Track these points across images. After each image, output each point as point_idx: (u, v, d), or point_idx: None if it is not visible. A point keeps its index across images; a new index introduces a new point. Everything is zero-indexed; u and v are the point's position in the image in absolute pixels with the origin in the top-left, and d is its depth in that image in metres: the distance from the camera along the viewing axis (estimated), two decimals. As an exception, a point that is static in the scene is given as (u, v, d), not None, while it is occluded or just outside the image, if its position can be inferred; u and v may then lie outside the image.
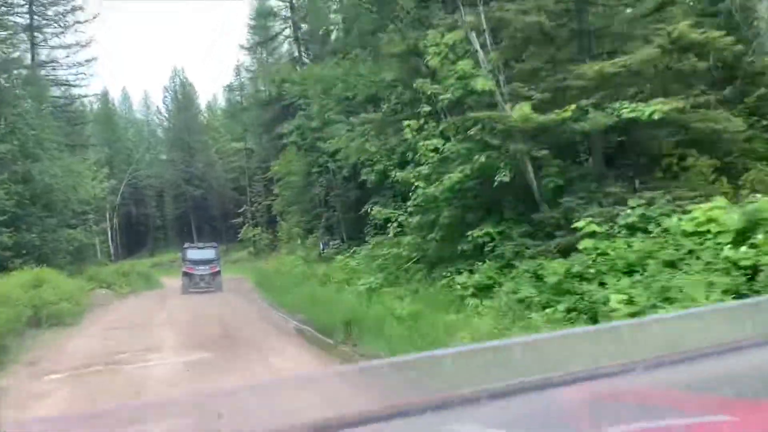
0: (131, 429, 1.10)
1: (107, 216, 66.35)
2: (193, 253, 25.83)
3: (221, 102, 74.08)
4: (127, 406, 1.59)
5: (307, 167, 28.38)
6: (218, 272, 25.51)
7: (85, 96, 46.53)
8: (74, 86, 39.85)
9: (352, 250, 20.98)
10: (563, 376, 1.19)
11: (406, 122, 13.75)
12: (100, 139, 63.99)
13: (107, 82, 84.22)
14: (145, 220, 71.26)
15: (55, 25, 35.76)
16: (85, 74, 38.65)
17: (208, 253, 25.96)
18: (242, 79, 52.01)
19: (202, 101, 70.17)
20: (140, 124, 70.60)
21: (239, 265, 49.63)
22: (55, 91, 38.28)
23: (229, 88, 58.24)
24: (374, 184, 18.40)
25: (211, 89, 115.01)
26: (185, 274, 25.17)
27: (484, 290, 9.67)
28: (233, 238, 57.39)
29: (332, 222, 27.79)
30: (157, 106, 61.35)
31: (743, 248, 6.34)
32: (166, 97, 60.24)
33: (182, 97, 60.41)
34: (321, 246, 26.40)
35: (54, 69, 37.90)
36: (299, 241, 29.49)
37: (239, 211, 49.50)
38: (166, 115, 60.53)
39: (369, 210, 18.27)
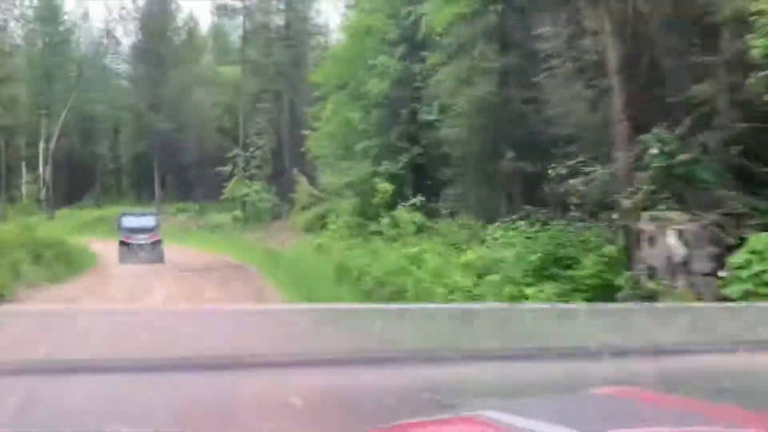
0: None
1: (39, 150, 49.73)
2: (129, 221, 23.78)
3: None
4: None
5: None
6: (159, 241, 23.19)
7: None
8: None
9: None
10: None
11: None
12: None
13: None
14: (93, 160, 54.75)
15: None
16: None
17: (148, 221, 24.34)
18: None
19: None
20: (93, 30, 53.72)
21: (220, 235, 34.28)
22: None
23: None
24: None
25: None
26: (122, 243, 22.74)
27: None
28: (213, 194, 41.87)
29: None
30: (123, 7, 44.96)
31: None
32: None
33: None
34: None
35: None
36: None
37: (228, 155, 33.99)
38: (133, 12, 44.00)
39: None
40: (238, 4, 34.76)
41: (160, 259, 21.78)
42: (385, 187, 14.97)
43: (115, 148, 57.89)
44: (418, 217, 14.47)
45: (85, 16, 53.10)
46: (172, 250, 27.56)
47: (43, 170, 47.46)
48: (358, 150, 16.86)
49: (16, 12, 48.92)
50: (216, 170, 40.94)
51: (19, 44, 48.66)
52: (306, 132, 23.33)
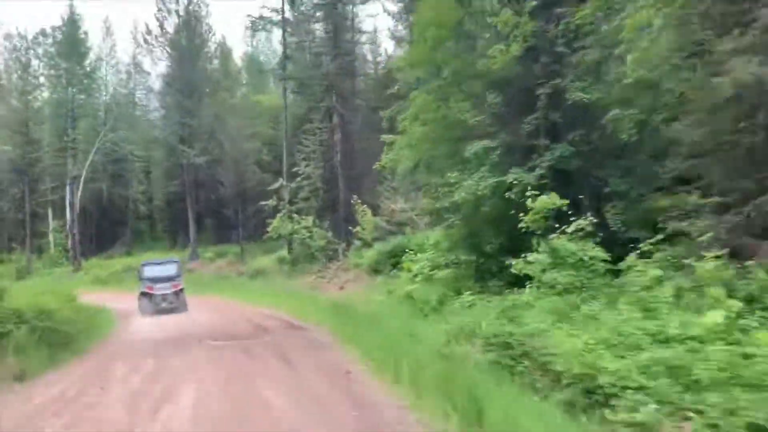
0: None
1: (66, 194, 45.76)
2: (151, 270, 21.41)
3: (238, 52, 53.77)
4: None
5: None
6: (182, 290, 21.28)
7: None
8: None
9: None
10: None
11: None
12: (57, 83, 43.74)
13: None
14: (123, 204, 50.79)
15: None
16: None
17: (169, 269, 21.79)
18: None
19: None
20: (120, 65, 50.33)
21: (265, 281, 29.09)
22: None
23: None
24: None
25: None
26: (144, 294, 20.84)
27: None
28: (255, 234, 36.98)
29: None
30: (150, 32, 41.10)
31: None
32: (164, 18, 39.80)
33: (189, 20, 39.88)
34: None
35: None
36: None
37: (271, 188, 29.00)
38: (165, 46, 39.91)
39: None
40: (276, 16, 30.14)
41: (183, 308, 20.86)
42: (546, 200, 9.33)
43: (148, 190, 54.04)
44: (596, 250, 8.85)
45: (112, 49, 50.07)
46: (209, 304, 22.48)
47: (70, 216, 43.45)
48: (470, 154, 11.35)
49: (39, 50, 45.93)
50: (257, 206, 36.21)
51: (42, 83, 45.28)
52: (366, 147, 18.22)
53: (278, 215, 28.48)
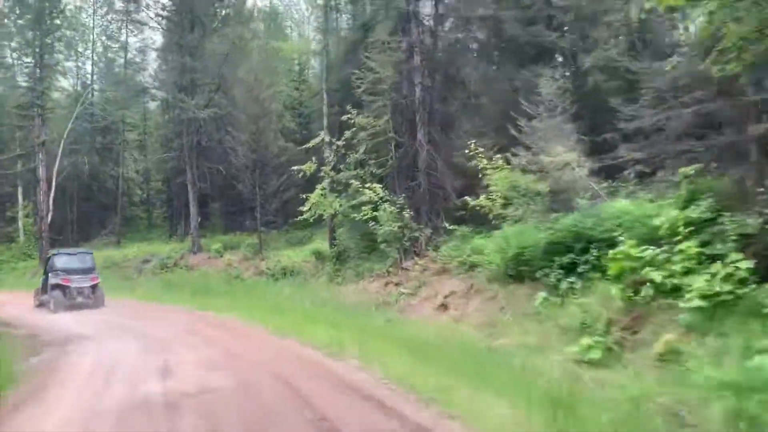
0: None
1: (38, 170, 35.93)
2: (63, 261, 19.52)
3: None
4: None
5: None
6: (99, 284, 19.52)
7: None
8: None
9: None
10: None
11: None
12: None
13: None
14: (113, 184, 41.27)
15: None
16: None
17: (85, 261, 19.98)
18: None
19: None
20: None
21: (296, 287, 19.50)
22: None
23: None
24: None
25: None
26: (57, 287, 18.68)
27: None
28: (277, 218, 27.55)
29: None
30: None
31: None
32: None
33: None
34: None
35: None
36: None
37: (309, 145, 19.34)
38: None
39: None
40: None
41: (100, 303, 18.96)
42: None
43: (145, 168, 44.51)
44: None
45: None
46: (207, 330, 12.96)
47: (41, 196, 33.93)
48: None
49: None
50: (280, 182, 26.51)
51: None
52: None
53: (318, 187, 18.81)
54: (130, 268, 28.32)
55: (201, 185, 28.79)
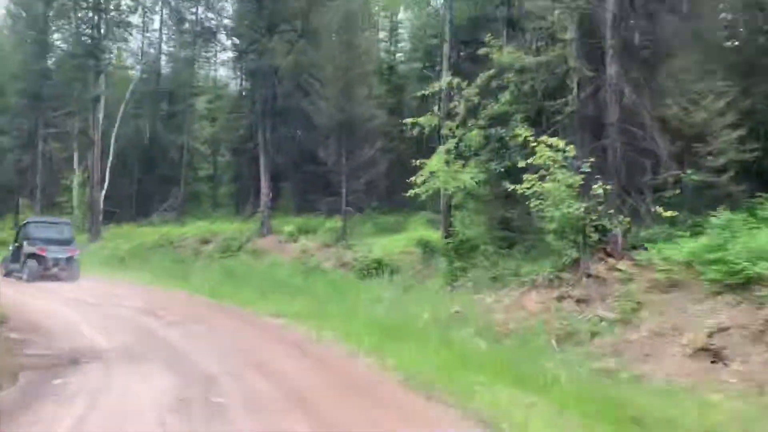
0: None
1: (91, 133, 31.63)
2: (40, 231, 18.96)
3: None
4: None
5: None
6: (74, 257, 18.82)
7: None
8: None
9: None
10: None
11: None
12: None
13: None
14: (177, 155, 37.14)
15: None
16: None
17: (64, 231, 19.54)
18: None
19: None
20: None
21: (405, 293, 13.83)
22: None
23: None
24: None
25: None
26: (32, 256, 18.18)
27: None
28: (365, 198, 22.32)
29: None
30: None
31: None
32: None
33: None
34: None
35: None
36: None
37: (428, 91, 13.67)
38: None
39: None
40: None
41: (74, 277, 18.36)
42: None
43: (215, 137, 40.21)
44: None
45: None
46: (297, 378, 7.43)
47: (92, 161, 29.86)
48: None
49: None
50: (369, 154, 21.10)
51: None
52: None
53: (441, 149, 13.21)
54: (187, 250, 23.64)
55: (274, 154, 23.70)
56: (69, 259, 18.48)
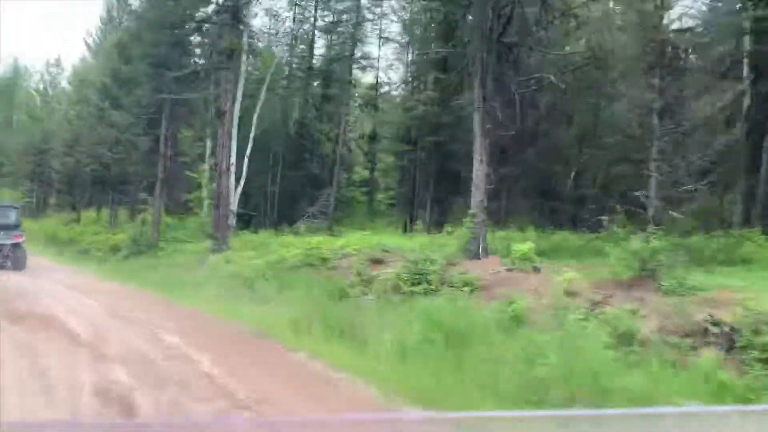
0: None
1: (224, 126, 23.09)
2: None
3: None
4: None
5: None
6: (21, 243, 18.14)
7: None
8: None
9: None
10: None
11: None
12: None
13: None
14: (330, 148, 29.31)
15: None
16: None
17: (7, 215, 18.81)
18: None
19: None
20: None
21: None
22: None
23: None
24: None
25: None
26: None
27: None
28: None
29: None
30: None
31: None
32: None
33: None
34: None
35: None
36: None
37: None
38: None
39: None
40: None
41: (21, 265, 17.71)
42: None
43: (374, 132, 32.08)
44: None
45: None
46: None
47: (223, 150, 22.45)
48: None
49: None
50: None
51: None
52: None
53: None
54: (347, 273, 14.76)
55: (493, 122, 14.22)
56: (15, 246, 17.71)
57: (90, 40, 36.06)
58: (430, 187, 20.92)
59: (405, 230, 21.11)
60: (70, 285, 14.99)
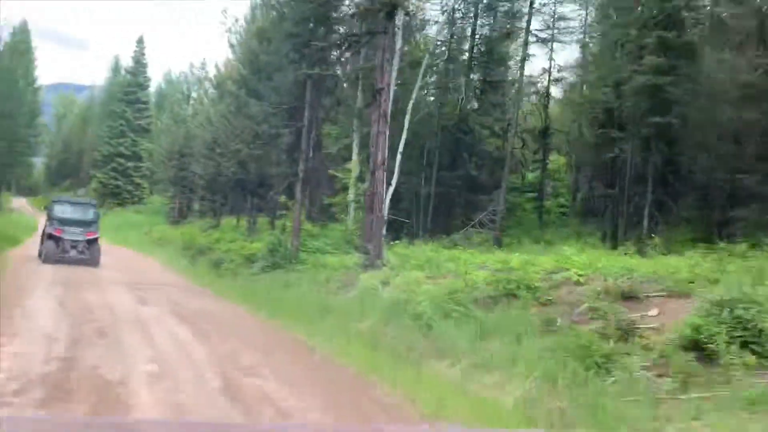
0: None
1: (379, 106, 19.66)
2: (62, 210, 18.83)
3: None
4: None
5: None
6: (96, 239, 18.46)
7: None
8: None
9: None
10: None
11: None
12: None
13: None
14: (494, 143, 24.40)
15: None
16: None
17: (85, 212, 19.07)
18: None
19: None
20: None
21: None
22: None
23: None
24: None
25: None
26: (50, 237, 18.00)
27: None
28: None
29: None
30: None
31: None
32: None
33: None
34: None
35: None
36: None
37: None
38: None
39: None
40: None
41: (95, 262, 18.00)
42: None
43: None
44: None
45: None
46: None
47: (377, 154, 18.32)
48: None
49: None
50: None
51: None
52: None
53: None
54: (565, 308, 9.68)
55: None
56: (89, 242, 18.04)
57: (234, 39, 34.37)
58: (648, 187, 15.26)
59: (613, 245, 15.58)
60: (177, 312, 11.44)
